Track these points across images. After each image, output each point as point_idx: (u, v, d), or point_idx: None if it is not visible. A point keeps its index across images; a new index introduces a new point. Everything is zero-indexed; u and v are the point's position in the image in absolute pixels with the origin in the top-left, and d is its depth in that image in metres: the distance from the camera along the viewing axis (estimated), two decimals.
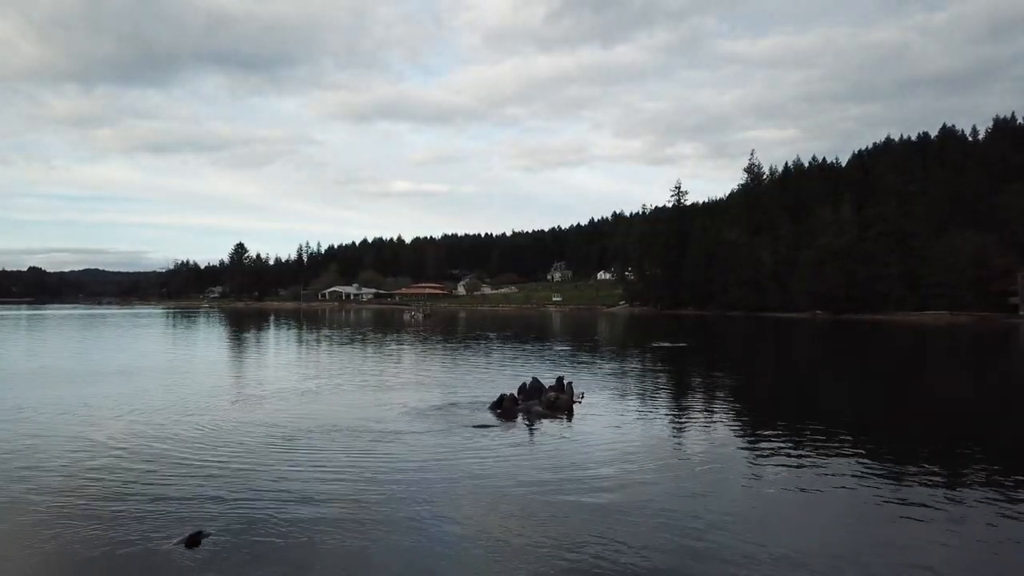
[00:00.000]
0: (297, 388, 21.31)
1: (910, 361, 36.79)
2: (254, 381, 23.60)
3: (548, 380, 19.99)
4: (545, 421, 15.50)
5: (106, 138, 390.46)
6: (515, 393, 17.40)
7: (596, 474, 11.25)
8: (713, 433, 15.13)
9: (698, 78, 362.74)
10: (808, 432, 14.88)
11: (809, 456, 12.66)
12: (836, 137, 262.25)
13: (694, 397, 20.59)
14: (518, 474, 11.18)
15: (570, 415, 16.46)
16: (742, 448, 13.55)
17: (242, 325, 72.33)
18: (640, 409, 18.14)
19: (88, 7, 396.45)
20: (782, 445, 13.62)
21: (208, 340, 48.80)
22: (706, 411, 18.19)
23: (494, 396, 17.89)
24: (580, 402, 17.88)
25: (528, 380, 18.43)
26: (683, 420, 16.77)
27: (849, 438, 14.30)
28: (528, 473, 11.23)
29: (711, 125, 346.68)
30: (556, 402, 16.70)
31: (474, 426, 14.74)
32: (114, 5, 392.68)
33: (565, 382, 18.49)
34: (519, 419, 15.72)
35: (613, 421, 16.03)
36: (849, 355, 40.07)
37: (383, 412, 16.65)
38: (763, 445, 13.74)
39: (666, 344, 42.12)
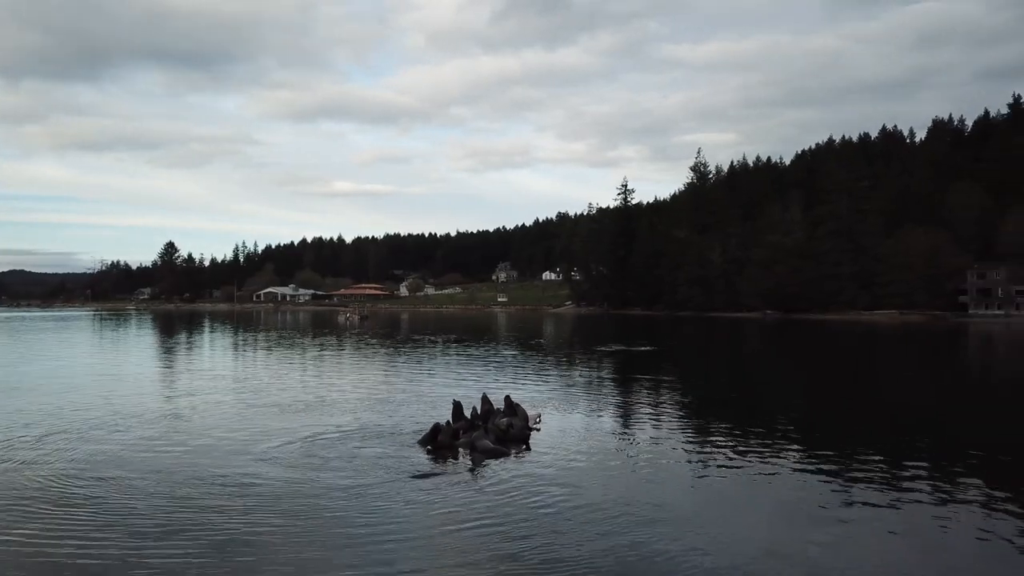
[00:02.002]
0: (159, 409, 16.49)
1: (863, 361, 34.36)
2: (105, 399, 18.06)
3: (494, 393, 15.87)
4: (493, 462, 11.16)
5: (35, 135, 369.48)
6: (451, 420, 13.10)
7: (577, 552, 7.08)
8: (699, 454, 11.91)
9: (642, 81, 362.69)
10: (800, 440, 13.65)
11: (802, 465, 10.90)
12: (775, 141, 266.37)
13: (668, 410, 16.58)
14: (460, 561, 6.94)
15: (527, 446, 12.26)
16: (744, 472, 9.95)
17: (157, 328, 66.04)
18: (613, 430, 14.18)
19: None
20: (777, 459, 11.10)
21: (92, 345, 42.95)
22: (684, 427, 14.48)
23: (427, 422, 13.65)
24: (538, 427, 13.68)
25: (459, 401, 13.90)
26: (665, 441, 13.15)
27: (824, 441, 13.97)
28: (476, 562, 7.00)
29: (654, 128, 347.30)
30: (509, 431, 12.43)
31: (394, 473, 10.37)
32: None
33: (514, 401, 14.28)
34: (460, 458, 11.46)
35: (583, 451, 11.93)
36: (807, 356, 37.36)
37: (259, 448, 12.09)
38: (761, 465, 10.69)
39: (620, 347, 38.33)
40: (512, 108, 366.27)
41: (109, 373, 25.48)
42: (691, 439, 13.62)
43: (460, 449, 11.79)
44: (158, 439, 13.11)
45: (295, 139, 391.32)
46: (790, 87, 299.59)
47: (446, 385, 21.23)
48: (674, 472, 11.04)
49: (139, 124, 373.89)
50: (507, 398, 14.21)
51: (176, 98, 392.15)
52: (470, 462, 11.19)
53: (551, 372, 25.86)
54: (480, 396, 14.58)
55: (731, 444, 13.08)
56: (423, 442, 12.06)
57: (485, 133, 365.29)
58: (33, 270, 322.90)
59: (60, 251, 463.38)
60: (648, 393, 20.08)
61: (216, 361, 31.86)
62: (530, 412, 14.13)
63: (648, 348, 37.27)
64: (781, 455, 12.17)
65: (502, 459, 11.31)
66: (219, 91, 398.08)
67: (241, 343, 45.34)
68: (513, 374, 24.67)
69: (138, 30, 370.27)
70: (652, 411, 16.91)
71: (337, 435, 13.23)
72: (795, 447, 13.00)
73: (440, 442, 11.80)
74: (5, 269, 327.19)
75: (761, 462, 11.59)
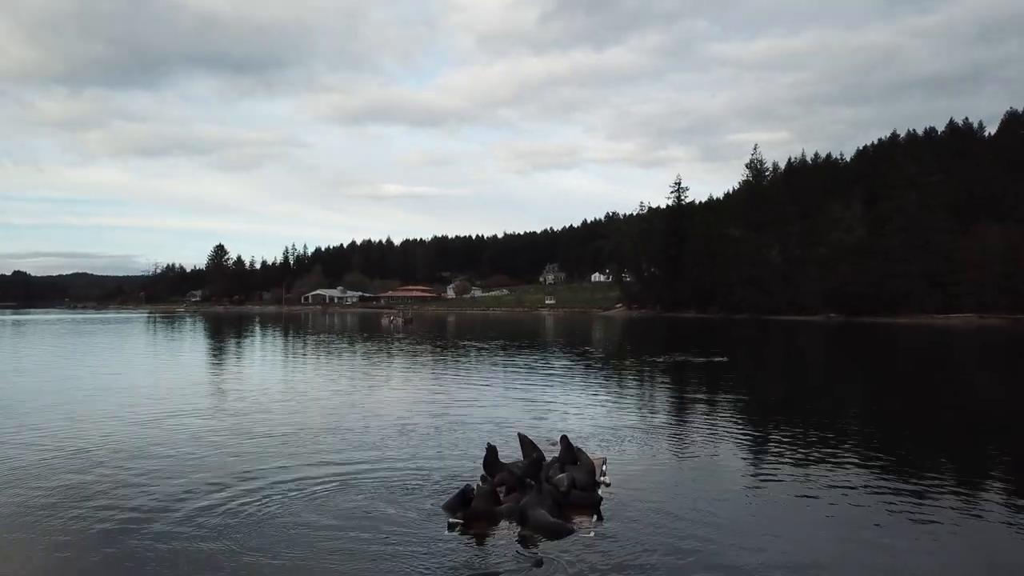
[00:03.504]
0: (116, 438, 13.33)
1: (957, 369, 31.33)
2: (72, 420, 15.16)
3: (542, 426, 12.58)
4: (553, 546, 7.70)
5: (96, 141, 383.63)
6: (485, 471, 9.75)
7: None
8: (826, 517, 8.41)
9: (690, 80, 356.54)
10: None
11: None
12: (828, 139, 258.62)
13: (767, 446, 12.89)
14: None
15: (598, 513, 8.83)
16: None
17: (198, 331, 64.12)
18: (709, 482, 10.49)
19: (78, 9, 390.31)
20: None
21: (114, 351, 40.69)
22: (795, 473, 10.60)
23: (460, 466, 10.38)
24: (607, 481, 10.21)
25: (494, 445, 10.21)
26: (776, 491, 9.51)
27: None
28: None
29: (703, 127, 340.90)
30: (571, 493, 8.98)
31: (404, 566, 7.07)
32: (104, 7, 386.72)
33: (573, 443, 10.75)
34: (504, 535, 8.10)
35: (677, 524, 8.41)
36: (892, 365, 32.99)
37: (207, 506, 8.81)
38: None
39: (683, 357, 34.54)
40: (560, 109, 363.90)
41: (98, 385, 22.60)
42: (805, 487, 10.03)
43: (505, 518, 8.41)
44: (79, 479, 9.98)
45: (344, 142, 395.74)
46: (843, 84, 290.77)
47: (490, 406, 17.93)
48: (801, 548, 7.51)
49: (193, 129, 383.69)
50: (564, 439, 10.69)
51: (228, 103, 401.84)
52: (519, 545, 7.78)
53: (609, 392, 22.32)
54: (517, 436, 11.14)
55: (859, 487, 9.76)
56: (450, 507, 8.66)
57: (533, 134, 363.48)
58: (94, 273, 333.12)
59: (119, 254, 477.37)
60: (738, 423, 16.36)
61: (234, 371, 28.88)
62: (594, 455, 10.69)
63: (715, 359, 33.18)
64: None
65: (566, 538, 7.89)
66: (269, 96, 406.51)
67: (274, 349, 42.74)
68: (566, 392, 21.25)
69: (192, 38, 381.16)
70: (749, 449, 13.29)
71: (333, 485, 9.92)
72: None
73: (475, 509, 8.44)
74: (69, 272, 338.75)
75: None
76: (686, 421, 16.14)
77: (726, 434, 14.44)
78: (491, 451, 10.06)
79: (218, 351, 40.60)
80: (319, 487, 9.91)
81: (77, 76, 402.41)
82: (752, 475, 11.14)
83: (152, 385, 22.85)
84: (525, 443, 10.59)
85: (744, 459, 12.28)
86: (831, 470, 11.35)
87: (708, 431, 14.77)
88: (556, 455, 10.24)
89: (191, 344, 47.47)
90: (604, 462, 10.86)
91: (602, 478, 10.09)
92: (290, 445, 12.92)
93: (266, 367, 30.68)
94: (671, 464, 11.81)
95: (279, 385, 23.09)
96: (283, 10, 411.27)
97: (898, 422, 16.72)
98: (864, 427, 15.97)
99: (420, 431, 14.26)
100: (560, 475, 9.18)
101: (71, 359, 34.56)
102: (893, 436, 14.87)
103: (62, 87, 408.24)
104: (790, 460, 12.11)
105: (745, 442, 13.72)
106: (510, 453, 10.79)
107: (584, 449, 10.73)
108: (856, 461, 12.02)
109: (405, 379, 25.23)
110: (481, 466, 9.92)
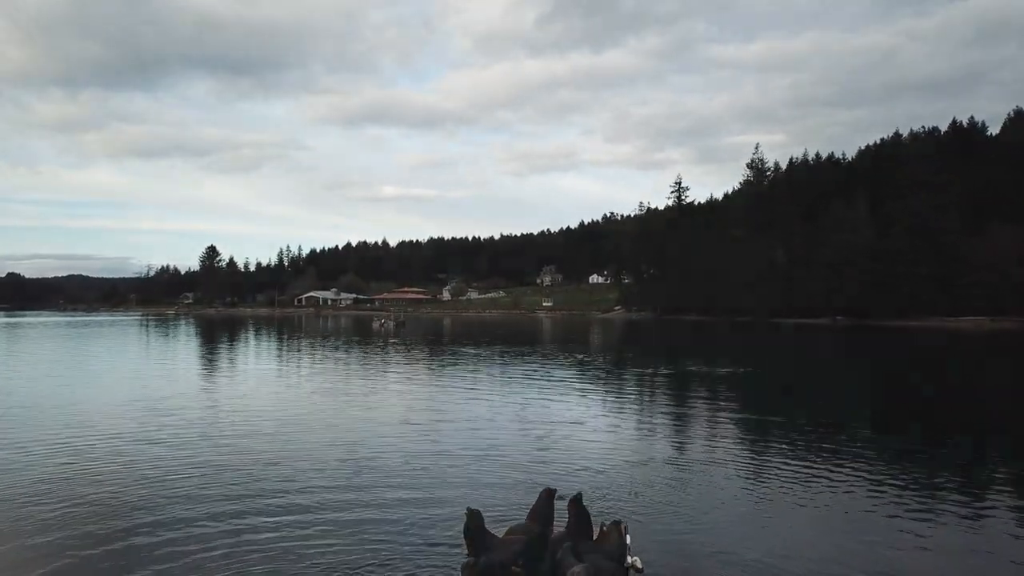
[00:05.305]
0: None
1: (961, 372, 30.09)
2: None
3: (539, 459, 9.70)
4: None
5: (93, 143, 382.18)
6: (469, 547, 6.70)
7: None
8: None
9: (688, 83, 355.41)
10: None
11: None
12: (825, 141, 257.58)
13: (816, 498, 9.92)
14: None
15: None
16: None
17: (179, 335, 60.89)
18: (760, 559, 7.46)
19: (75, 10, 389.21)
20: None
21: (64, 357, 37.59)
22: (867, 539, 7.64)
23: (430, 542, 7.37)
24: (639, 565, 7.09)
25: (477, 509, 7.12)
26: None
27: None
28: None
29: (700, 130, 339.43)
30: None
31: None
32: (101, 8, 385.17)
33: (593, 520, 7.38)
34: None
35: None
36: (914, 372, 29.91)
37: None
38: None
39: (693, 367, 31.55)
40: (558, 111, 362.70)
41: (22, 402, 19.50)
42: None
43: None
44: None
45: (343, 144, 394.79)
46: (840, 86, 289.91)
47: (483, 428, 14.87)
48: None
49: (191, 131, 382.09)
50: (573, 502, 7.39)
51: (227, 105, 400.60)
52: None
53: (617, 411, 19.27)
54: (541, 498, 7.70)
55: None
56: None
57: (530, 136, 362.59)
58: (90, 275, 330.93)
59: (115, 256, 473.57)
60: (783, 461, 13.37)
61: (185, 383, 25.57)
62: (621, 527, 7.57)
63: (730, 369, 29.97)
64: None
65: None
66: (268, 98, 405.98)
67: (247, 356, 39.62)
68: (569, 409, 18.22)
69: (191, 39, 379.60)
70: (794, 502, 10.27)
71: (232, 563, 6.90)
72: None
73: None
74: (64, 274, 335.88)
75: None
76: (714, 452, 13.09)
77: (754, 466, 11.41)
78: (472, 517, 6.90)
79: (182, 358, 37.48)
80: (211, 565, 6.82)
81: (74, 78, 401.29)
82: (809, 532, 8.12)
83: (85, 401, 19.66)
84: (539, 502, 7.37)
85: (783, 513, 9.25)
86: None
87: (744, 466, 11.73)
88: (569, 526, 7.11)
89: (159, 350, 44.29)
90: (625, 531, 7.65)
91: (631, 559, 6.97)
92: (198, 485, 9.82)
93: (224, 378, 27.42)
94: (707, 522, 8.78)
95: (232, 401, 19.68)
96: (281, 11, 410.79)
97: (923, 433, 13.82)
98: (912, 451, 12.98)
99: (385, 468, 11.17)
100: (576, 568, 6.09)
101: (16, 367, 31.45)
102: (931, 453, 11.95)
103: (59, 89, 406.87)
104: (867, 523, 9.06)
105: (781, 481, 10.68)
106: (511, 504, 7.70)
107: (605, 518, 7.62)
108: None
109: (382, 392, 22.07)
110: (462, 536, 6.86)
